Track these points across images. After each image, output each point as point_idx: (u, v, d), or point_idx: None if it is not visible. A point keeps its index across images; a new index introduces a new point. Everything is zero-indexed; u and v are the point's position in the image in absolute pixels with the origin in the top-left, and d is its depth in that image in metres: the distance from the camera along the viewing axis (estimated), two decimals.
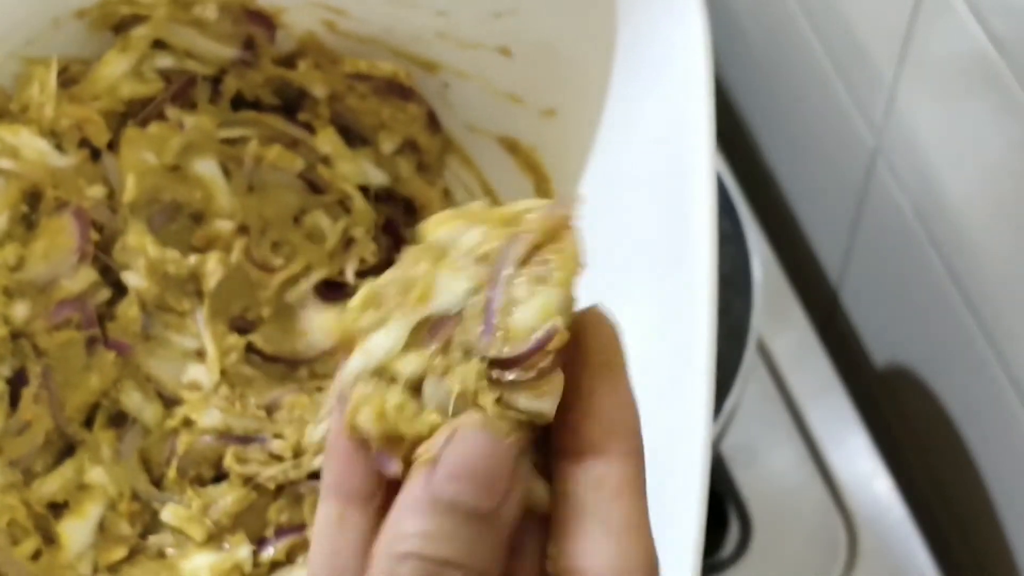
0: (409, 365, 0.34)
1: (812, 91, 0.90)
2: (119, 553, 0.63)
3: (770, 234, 0.94)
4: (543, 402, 0.34)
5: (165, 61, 0.67)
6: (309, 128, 0.69)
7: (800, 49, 0.89)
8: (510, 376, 0.33)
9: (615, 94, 0.63)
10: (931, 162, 0.78)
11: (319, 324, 0.67)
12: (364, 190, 0.70)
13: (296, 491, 0.63)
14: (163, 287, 0.64)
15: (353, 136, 0.71)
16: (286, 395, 0.64)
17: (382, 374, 0.34)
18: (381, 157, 0.70)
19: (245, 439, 0.63)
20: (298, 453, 0.63)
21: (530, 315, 0.34)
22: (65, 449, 0.65)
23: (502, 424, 0.34)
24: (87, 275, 0.65)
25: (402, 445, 0.34)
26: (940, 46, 0.74)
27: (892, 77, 0.78)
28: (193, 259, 0.65)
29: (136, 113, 0.67)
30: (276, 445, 0.63)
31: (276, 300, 0.66)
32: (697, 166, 0.56)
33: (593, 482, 0.35)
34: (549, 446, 0.36)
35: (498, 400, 0.33)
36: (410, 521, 0.33)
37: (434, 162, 0.71)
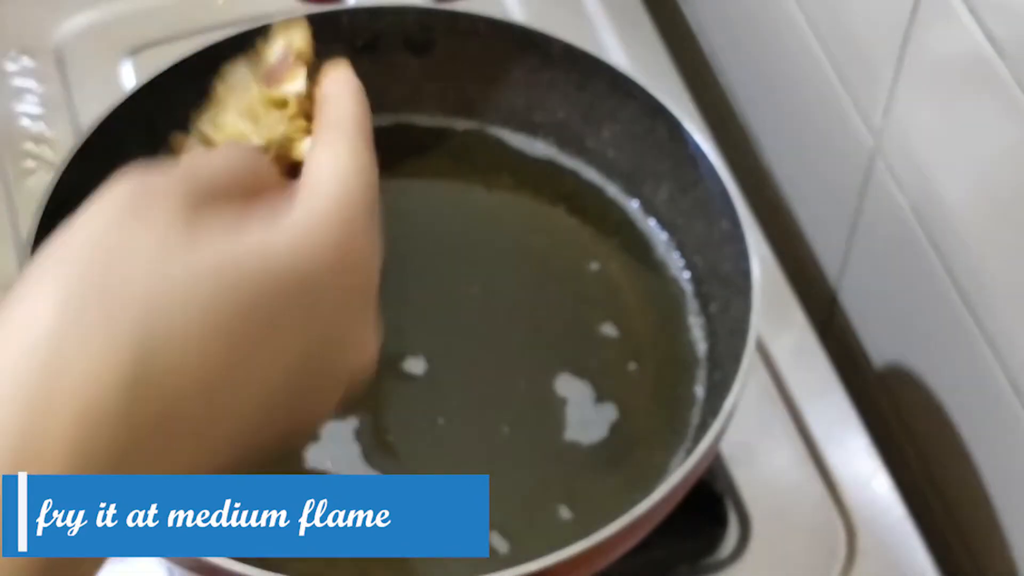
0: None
1: (811, 91, 0.89)
2: None
3: (770, 234, 0.94)
4: (296, 84, 0.51)
5: None
6: None
7: (799, 49, 0.89)
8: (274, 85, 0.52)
9: None
10: (930, 163, 0.78)
11: None
12: None
13: None
14: None
15: None
16: None
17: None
18: None
19: None
20: None
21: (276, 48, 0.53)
22: None
23: None
24: None
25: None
26: (939, 47, 0.74)
27: (891, 78, 0.78)
28: None
29: None
30: None
31: None
32: None
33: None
34: None
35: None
36: None
37: None
